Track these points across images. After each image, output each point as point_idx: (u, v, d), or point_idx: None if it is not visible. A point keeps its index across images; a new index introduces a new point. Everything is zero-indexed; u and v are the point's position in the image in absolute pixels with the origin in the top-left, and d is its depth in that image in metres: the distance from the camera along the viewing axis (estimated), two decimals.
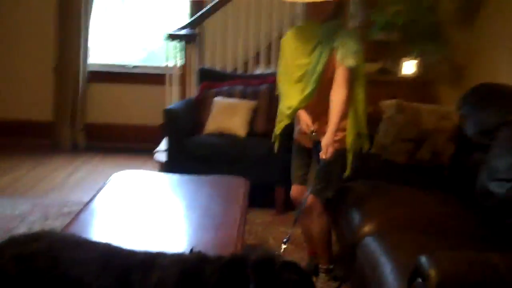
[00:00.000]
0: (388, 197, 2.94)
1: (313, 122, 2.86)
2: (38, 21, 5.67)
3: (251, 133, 4.30)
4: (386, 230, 2.50)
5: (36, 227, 3.66)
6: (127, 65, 5.87)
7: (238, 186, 3.21)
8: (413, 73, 4.63)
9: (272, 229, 3.78)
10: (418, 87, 4.62)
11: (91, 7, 5.51)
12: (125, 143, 5.71)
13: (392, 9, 4.51)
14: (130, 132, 5.79)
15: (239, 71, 5.02)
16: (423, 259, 1.78)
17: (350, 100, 2.82)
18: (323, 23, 2.81)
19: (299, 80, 2.85)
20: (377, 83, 4.28)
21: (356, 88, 2.85)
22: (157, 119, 5.61)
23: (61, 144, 5.59)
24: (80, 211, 2.76)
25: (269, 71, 4.88)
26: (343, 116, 2.79)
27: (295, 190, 3.15)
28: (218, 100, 4.40)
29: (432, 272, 1.72)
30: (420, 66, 4.67)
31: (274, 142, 3.16)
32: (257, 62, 5.10)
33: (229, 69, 5.07)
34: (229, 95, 4.45)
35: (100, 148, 5.61)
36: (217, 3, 4.81)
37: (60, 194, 4.35)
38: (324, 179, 2.87)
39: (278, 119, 3.07)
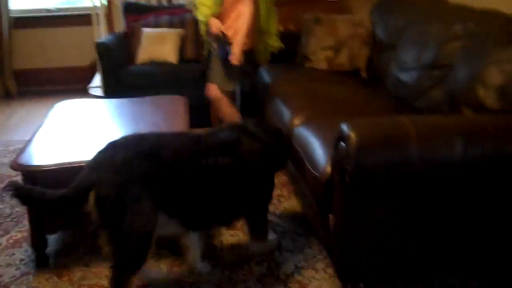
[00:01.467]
0: (312, 94, 3.30)
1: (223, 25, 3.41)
2: None
3: (181, 59, 4.53)
4: (313, 119, 2.85)
5: None
6: (50, 8, 5.89)
7: (178, 102, 3.47)
8: None
9: None
10: (332, 1, 4.95)
11: None
12: (56, 85, 5.79)
13: None
14: (60, 74, 5.87)
15: (163, 2, 5.17)
16: (344, 125, 2.14)
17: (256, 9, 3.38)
18: None
19: None
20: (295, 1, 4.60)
21: None
22: (85, 60, 5.74)
23: None
24: (33, 135, 2.94)
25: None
26: (250, 25, 3.34)
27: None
28: (147, 30, 4.58)
29: (352, 134, 2.08)
30: None
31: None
32: None
33: (153, 1, 5.22)
34: (157, 25, 4.63)
35: (33, 93, 5.67)
36: None
37: (2, 136, 4.46)
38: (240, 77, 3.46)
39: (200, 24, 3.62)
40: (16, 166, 2.52)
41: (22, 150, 2.68)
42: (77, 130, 3.04)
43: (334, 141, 2.20)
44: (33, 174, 2.51)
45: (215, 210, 2.29)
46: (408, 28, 3.44)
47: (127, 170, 2.03)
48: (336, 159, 2.19)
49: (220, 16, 3.46)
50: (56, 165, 2.52)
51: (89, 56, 5.53)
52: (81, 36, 5.68)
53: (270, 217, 2.79)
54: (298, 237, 2.83)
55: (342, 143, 2.13)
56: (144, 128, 3.04)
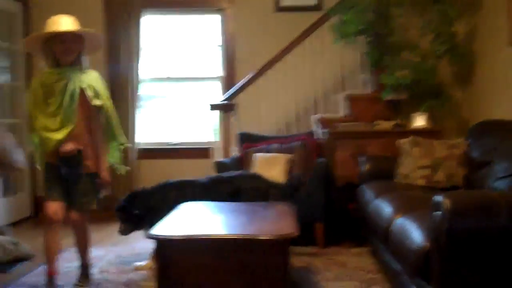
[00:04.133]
0: (411, 199, 3.62)
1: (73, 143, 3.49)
2: None
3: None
4: (411, 213, 3.14)
5: (114, 264, 4.30)
6: (171, 142, 6.69)
7: (287, 208, 3.83)
8: (423, 126, 5.34)
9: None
10: (429, 137, 5.33)
11: (137, 93, 6.43)
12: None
13: (399, 73, 5.34)
14: None
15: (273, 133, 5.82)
16: (437, 196, 2.44)
17: (101, 128, 3.62)
18: (69, 67, 3.49)
19: (54, 114, 3.45)
20: (393, 136, 5.03)
21: (111, 116, 3.64)
22: None
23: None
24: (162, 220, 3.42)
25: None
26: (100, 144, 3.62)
27: (55, 206, 3.49)
28: (259, 155, 5.15)
29: (446, 200, 2.37)
30: (428, 119, 5.39)
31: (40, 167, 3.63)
32: (287, 131, 5.90)
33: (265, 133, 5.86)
34: (268, 151, 5.20)
35: None
36: (250, 78, 5.69)
37: (126, 244, 4.95)
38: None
39: (44, 148, 3.52)
40: (149, 236, 3.02)
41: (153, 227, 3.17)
42: (198, 218, 3.51)
43: (430, 213, 2.49)
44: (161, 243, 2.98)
45: None
46: (503, 144, 3.73)
47: None
48: (432, 226, 2.46)
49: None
50: (179, 236, 3.00)
51: None
52: (199, 167, 6.33)
53: None
54: None
55: (438, 212, 2.42)
56: (256, 217, 3.48)
